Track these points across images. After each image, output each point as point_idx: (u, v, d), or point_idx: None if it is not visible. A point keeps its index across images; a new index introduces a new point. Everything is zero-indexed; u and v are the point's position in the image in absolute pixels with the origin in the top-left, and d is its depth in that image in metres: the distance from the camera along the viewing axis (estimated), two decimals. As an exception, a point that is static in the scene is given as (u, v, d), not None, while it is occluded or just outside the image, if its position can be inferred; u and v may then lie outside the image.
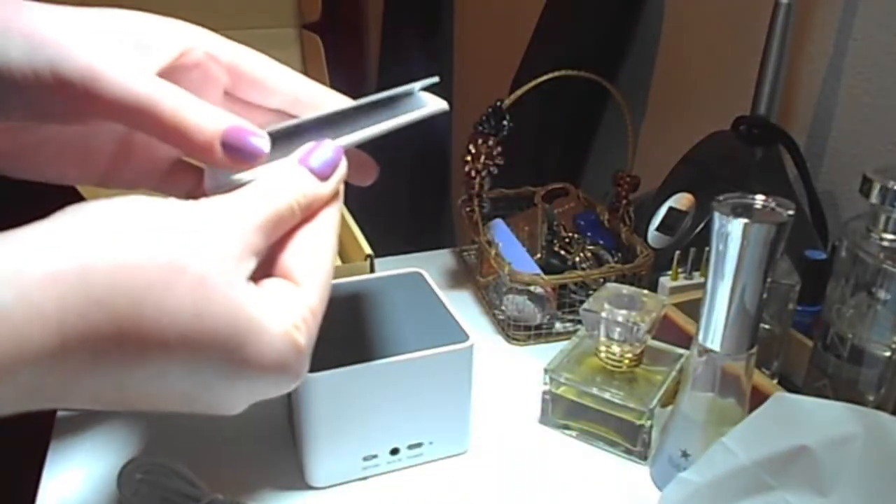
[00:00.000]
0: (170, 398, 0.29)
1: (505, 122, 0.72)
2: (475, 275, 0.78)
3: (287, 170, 0.34)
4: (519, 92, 0.72)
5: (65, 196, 0.34)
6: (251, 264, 0.30)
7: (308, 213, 0.33)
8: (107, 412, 0.57)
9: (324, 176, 0.34)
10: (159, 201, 0.29)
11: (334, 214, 0.35)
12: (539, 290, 0.67)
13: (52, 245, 0.26)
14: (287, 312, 0.31)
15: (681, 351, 0.58)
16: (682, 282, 0.64)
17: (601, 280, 0.67)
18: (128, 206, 0.28)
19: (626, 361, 0.56)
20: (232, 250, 0.29)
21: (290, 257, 0.33)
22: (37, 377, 0.25)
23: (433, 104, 0.40)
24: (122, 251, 0.26)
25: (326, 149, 0.35)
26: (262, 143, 0.33)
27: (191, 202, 0.30)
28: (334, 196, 0.35)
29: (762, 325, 0.53)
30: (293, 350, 0.30)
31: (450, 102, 0.40)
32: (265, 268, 0.32)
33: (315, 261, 0.33)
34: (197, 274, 0.27)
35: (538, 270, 0.69)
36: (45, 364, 0.25)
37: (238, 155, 0.33)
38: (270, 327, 0.30)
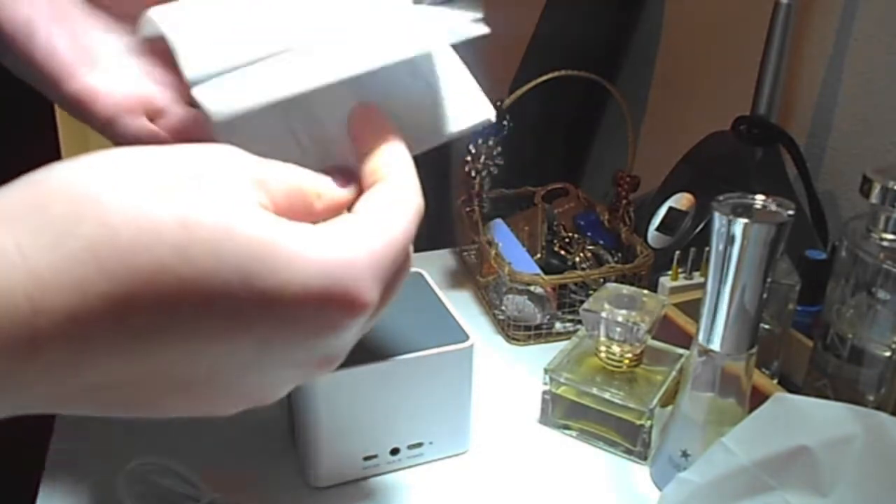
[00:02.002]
0: (202, 382, 0.25)
1: (505, 122, 0.72)
2: (475, 275, 0.78)
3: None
4: (519, 92, 0.72)
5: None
6: (261, 197, 0.26)
7: (324, 204, 0.30)
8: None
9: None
10: (142, 152, 0.25)
11: (411, 175, 0.31)
12: (539, 290, 0.67)
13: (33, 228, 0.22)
14: (335, 233, 0.26)
15: (681, 351, 0.58)
16: (682, 282, 0.64)
17: (601, 280, 0.67)
18: (113, 161, 0.24)
19: (626, 361, 0.56)
20: (237, 176, 0.26)
21: (360, 202, 0.29)
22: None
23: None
24: (126, 219, 0.23)
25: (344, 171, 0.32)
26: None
27: (180, 147, 0.26)
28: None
29: (762, 325, 0.53)
30: (340, 268, 0.25)
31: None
32: None
33: (389, 203, 0.29)
34: (211, 225, 0.23)
35: (538, 270, 0.69)
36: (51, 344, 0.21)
37: None
38: (297, 248, 0.24)
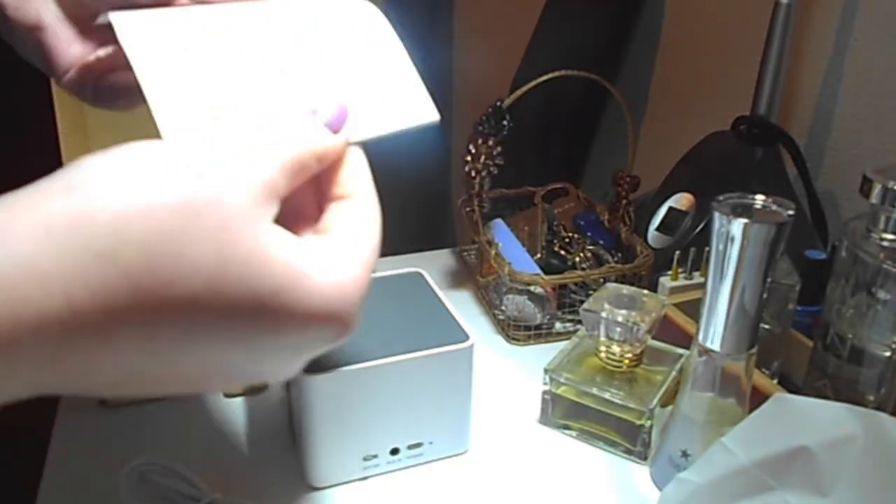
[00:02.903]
0: (203, 368, 0.27)
1: (505, 122, 0.72)
2: (475, 275, 0.78)
3: (301, 119, 0.32)
4: (519, 92, 0.72)
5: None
6: (274, 208, 0.28)
7: (324, 164, 0.32)
8: (107, 411, 0.57)
9: (335, 129, 0.33)
10: (163, 144, 0.26)
11: (372, 190, 0.33)
12: (539, 290, 0.67)
13: (44, 198, 0.23)
14: (329, 258, 0.28)
15: (681, 351, 0.58)
16: (682, 282, 0.64)
17: (601, 280, 0.67)
18: (129, 151, 0.25)
19: (626, 361, 0.56)
20: (254, 191, 0.26)
21: (331, 216, 0.31)
22: (45, 347, 0.22)
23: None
24: (124, 196, 0.23)
25: (333, 105, 0.34)
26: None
27: (199, 141, 0.27)
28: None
29: (762, 325, 0.53)
30: (338, 296, 0.27)
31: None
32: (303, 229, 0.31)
33: (360, 223, 0.31)
34: (216, 218, 0.24)
35: (538, 270, 0.69)
36: (52, 331, 0.22)
37: None
38: (309, 273, 0.27)
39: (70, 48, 0.38)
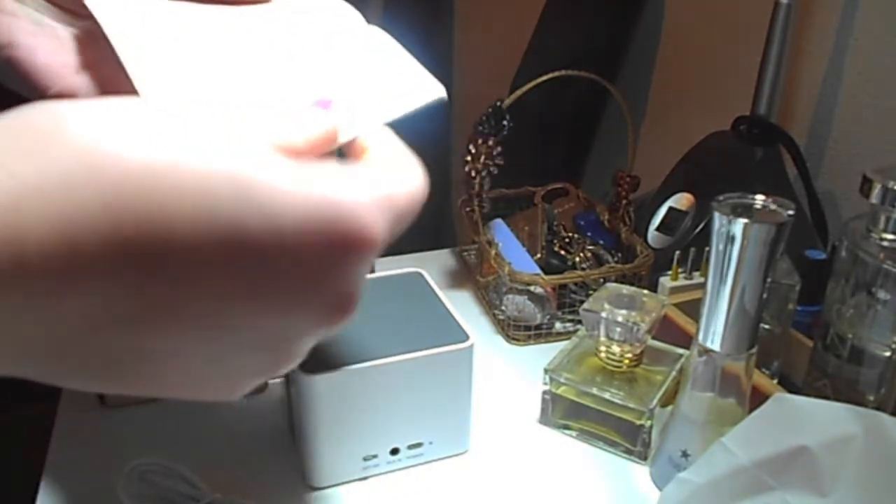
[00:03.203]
0: (199, 349, 0.25)
1: (505, 122, 0.72)
2: (475, 275, 0.78)
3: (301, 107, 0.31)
4: (519, 92, 0.72)
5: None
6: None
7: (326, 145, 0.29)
8: (107, 411, 0.57)
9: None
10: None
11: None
12: (539, 290, 0.67)
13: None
14: (324, 176, 0.25)
15: (681, 351, 0.58)
16: (682, 282, 0.64)
17: (601, 280, 0.67)
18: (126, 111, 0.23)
19: (626, 361, 0.56)
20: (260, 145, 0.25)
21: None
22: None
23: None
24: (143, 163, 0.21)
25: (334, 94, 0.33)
26: None
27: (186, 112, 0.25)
28: None
29: (762, 325, 0.53)
30: (332, 208, 0.24)
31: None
32: None
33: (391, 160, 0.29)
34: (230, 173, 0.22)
35: (538, 270, 0.69)
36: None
37: None
38: (294, 189, 0.24)
39: (51, 59, 0.35)
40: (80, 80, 0.36)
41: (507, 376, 0.65)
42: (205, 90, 0.33)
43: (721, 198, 0.44)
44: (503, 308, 0.69)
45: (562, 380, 0.56)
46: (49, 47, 0.36)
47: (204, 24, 0.36)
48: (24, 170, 0.20)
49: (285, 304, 0.25)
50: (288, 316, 0.26)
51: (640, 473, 0.54)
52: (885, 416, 0.40)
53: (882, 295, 0.48)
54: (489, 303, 0.74)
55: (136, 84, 0.32)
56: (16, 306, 0.21)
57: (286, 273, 0.24)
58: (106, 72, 0.35)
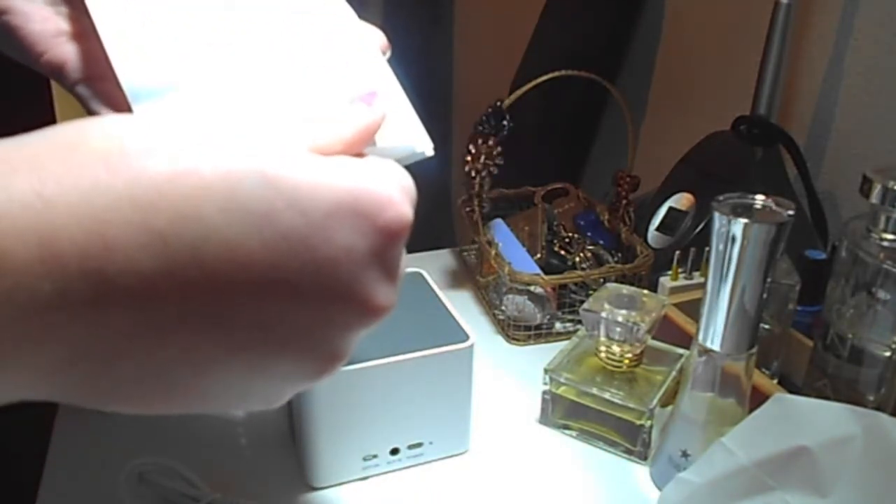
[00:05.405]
0: (281, 338, 0.25)
1: (505, 122, 0.72)
2: (475, 275, 0.78)
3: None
4: (519, 92, 0.72)
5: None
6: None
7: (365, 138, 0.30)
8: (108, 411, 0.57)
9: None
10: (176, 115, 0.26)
11: None
12: (539, 290, 0.67)
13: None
14: (344, 165, 0.26)
15: (681, 351, 0.58)
16: (682, 282, 0.64)
17: (601, 280, 0.67)
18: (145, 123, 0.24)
19: (626, 361, 0.56)
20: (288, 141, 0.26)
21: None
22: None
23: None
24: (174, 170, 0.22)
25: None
26: None
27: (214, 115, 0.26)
28: None
29: (762, 325, 0.53)
30: (342, 188, 0.24)
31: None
32: None
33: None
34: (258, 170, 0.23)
35: (538, 270, 0.69)
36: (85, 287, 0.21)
37: None
38: (312, 178, 0.24)
39: (45, 26, 0.36)
40: (72, 49, 0.37)
41: (507, 376, 0.65)
42: (225, 90, 0.33)
43: (721, 198, 0.44)
44: (503, 308, 0.69)
45: (562, 380, 0.56)
46: (43, 14, 0.37)
47: (204, 25, 0.36)
48: (99, 201, 0.21)
49: (326, 296, 0.25)
50: (327, 309, 0.26)
51: (640, 473, 0.54)
52: (884, 416, 0.40)
53: (882, 295, 0.48)
54: (489, 303, 0.74)
55: (120, 81, 0.31)
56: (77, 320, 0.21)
57: (325, 263, 0.24)
58: (95, 42, 0.36)
